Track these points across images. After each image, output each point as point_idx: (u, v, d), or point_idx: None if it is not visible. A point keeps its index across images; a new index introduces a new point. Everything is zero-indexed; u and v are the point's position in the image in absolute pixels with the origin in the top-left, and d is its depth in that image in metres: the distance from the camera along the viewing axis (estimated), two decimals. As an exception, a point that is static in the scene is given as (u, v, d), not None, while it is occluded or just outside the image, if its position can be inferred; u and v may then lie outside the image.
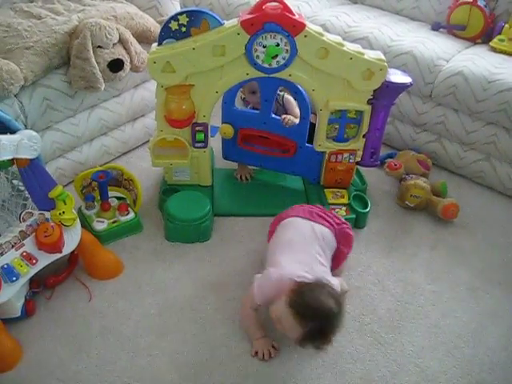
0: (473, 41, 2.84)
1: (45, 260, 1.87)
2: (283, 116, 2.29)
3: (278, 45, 1.96)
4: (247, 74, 2.06)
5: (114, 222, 2.21)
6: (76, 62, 2.18)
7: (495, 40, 2.72)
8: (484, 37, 2.82)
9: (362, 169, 2.48)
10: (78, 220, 1.96)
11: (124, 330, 1.87)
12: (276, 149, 2.38)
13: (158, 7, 2.65)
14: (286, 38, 1.94)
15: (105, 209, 2.22)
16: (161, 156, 2.26)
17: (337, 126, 2.24)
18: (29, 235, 1.87)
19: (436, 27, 2.92)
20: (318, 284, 1.71)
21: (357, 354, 1.84)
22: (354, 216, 2.29)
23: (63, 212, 1.90)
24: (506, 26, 2.74)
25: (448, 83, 2.52)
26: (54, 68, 2.23)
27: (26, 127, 2.09)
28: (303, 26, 1.94)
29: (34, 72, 2.11)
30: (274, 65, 2.02)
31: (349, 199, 2.35)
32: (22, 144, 1.77)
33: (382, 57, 2.10)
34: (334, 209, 2.28)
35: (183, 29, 1.98)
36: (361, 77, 2.09)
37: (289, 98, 2.41)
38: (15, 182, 1.96)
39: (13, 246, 1.83)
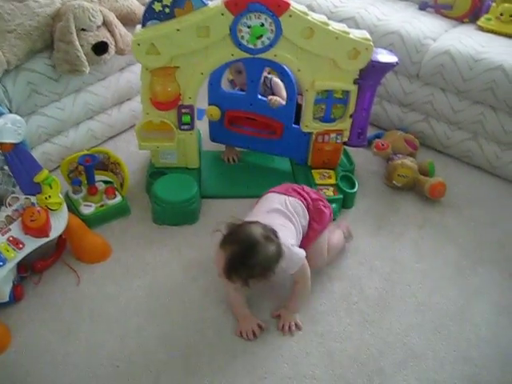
0: (460, 20, 2.83)
1: (32, 244, 1.86)
2: (269, 97, 2.28)
3: (262, 25, 1.95)
4: (232, 55, 2.05)
5: (101, 206, 2.20)
6: (60, 45, 2.16)
7: (482, 19, 2.72)
8: (471, 16, 2.81)
9: (349, 149, 2.48)
10: (65, 204, 1.96)
11: (112, 312, 1.88)
12: (263, 130, 2.37)
13: (143, -11, 2.62)
14: (270, 17, 1.93)
15: (92, 193, 2.22)
16: (147, 139, 2.25)
17: (323, 107, 2.24)
18: (15, 220, 1.87)
19: (423, 6, 2.91)
20: (252, 221, 1.73)
21: (344, 333, 1.86)
22: (341, 196, 2.30)
23: (49, 196, 1.90)
24: (494, 4, 2.73)
25: (435, 62, 2.52)
26: (38, 51, 2.21)
27: (10, 112, 2.07)
28: (288, 5, 1.93)
29: (16, 56, 2.09)
30: (259, 45, 2.01)
31: (336, 180, 2.35)
32: (5, 128, 1.77)
33: (368, 36, 2.09)
34: (321, 189, 2.29)
35: (167, 10, 1.96)
36: (347, 56, 2.08)
37: (277, 80, 2.40)
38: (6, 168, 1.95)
39: (-1, 231, 1.83)
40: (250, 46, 2.00)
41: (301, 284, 1.86)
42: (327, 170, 2.39)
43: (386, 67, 2.18)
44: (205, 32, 1.97)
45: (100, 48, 2.25)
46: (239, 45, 2.00)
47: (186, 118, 2.19)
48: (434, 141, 2.72)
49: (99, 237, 2.11)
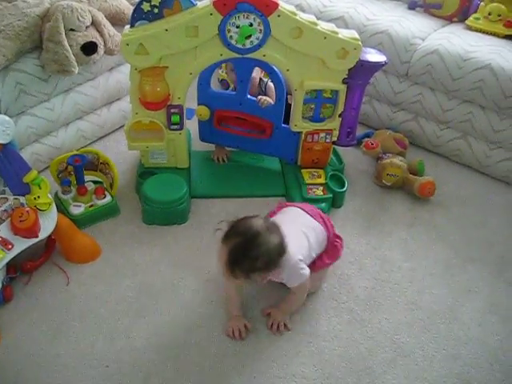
0: (449, 19, 2.84)
1: (21, 245, 1.86)
2: (259, 97, 2.29)
3: (251, 25, 1.95)
4: (221, 55, 2.05)
5: (90, 206, 2.20)
6: (48, 45, 2.16)
7: (471, 18, 2.73)
8: (460, 15, 2.82)
9: (339, 148, 2.49)
10: (54, 204, 1.96)
11: (102, 313, 1.88)
12: (252, 130, 2.37)
13: (131, -12, 2.62)
14: (259, 17, 1.93)
15: (81, 193, 2.21)
16: (137, 139, 2.25)
17: (312, 106, 2.24)
18: (4, 220, 1.87)
19: (412, 6, 2.92)
20: (254, 215, 1.73)
21: (334, 332, 1.86)
22: (331, 195, 2.30)
23: (38, 197, 1.90)
24: (482, 4, 2.74)
25: (424, 62, 2.53)
26: (27, 52, 2.21)
27: (-1, 112, 2.07)
28: (276, 5, 1.93)
29: (5, 56, 2.08)
30: (248, 45, 2.01)
31: (326, 179, 2.35)
32: (-6, 129, 1.76)
33: (357, 36, 2.10)
34: (311, 188, 2.30)
35: (155, 10, 1.96)
36: (335, 56, 2.09)
37: (271, 85, 2.40)
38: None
39: (-13, 232, 1.83)
40: (239, 45, 2.00)
41: (297, 296, 1.87)
42: (317, 170, 2.40)
43: (375, 67, 2.18)
44: (193, 32, 1.97)
45: (89, 48, 2.25)
46: (228, 45, 2.00)
47: (176, 118, 2.18)
48: (423, 140, 2.73)
49: (88, 237, 2.11)
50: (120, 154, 2.51)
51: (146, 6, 1.95)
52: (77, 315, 1.87)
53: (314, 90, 2.19)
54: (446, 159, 2.70)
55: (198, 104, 2.33)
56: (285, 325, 1.85)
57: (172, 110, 2.16)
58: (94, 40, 2.26)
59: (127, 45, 1.98)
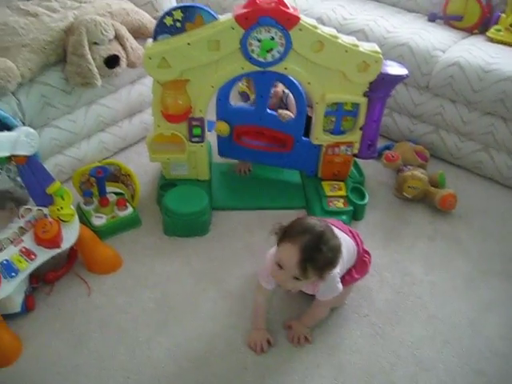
0: (470, 31, 2.84)
1: (43, 255, 1.88)
2: (279, 111, 2.29)
3: (272, 38, 1.96)
4: (242, 68, 2.06)
5: (112, 218, 2.22)
6: (72, 58, 2.19)
7: (492, 30, 2.72)
8: (481, 27, 2.81)
9: (359, 161, 2.48)
10: (76, 215, 1.98)
11: (123, 323, 1.89)
12: (273, 144, 2.37)
13: (154, 3, 2.65)
14: (280, 31, 1.94)
15: (103, 204, 2.23)
16: (158, 151, 2.27)
17: (333, 119, 2.24)
18: (27, 231, 1.89)
19: (432, 18, 2.92)
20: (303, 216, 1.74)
21: (355, 346, 1.85)
22: (351, 208, 2.30)
23: (61, 208, 1.91)
24: (503, 15, 2.73)
25: (445, 74, 2.52)
26: (51, 65, 2.24)
27: (23, 124, 2.09)
28: (298, 19, 1.94)
29: (30, 69, 2.12)
30: (269, 58, 2.02)
31: (346, 191, 2.35)
32: (19, 141, 1.79)
33: (377, 49, 2.10)
34: (331, 201, 2.29)
35: (178, 24, 1.98)
36: (356, 69, 2.09)
37: (292, 96, 2.40)
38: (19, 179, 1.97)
39: (12, 242, 1.85)
40: (261, 59, 2.01)
41: (321, 309, 1.86)
42: (337, 182, 2.39)
43: (396, 79, 2.18)
44: (215, 46, 1.98)
45: (112, 61, 2.27)
46: (249, 58, 2.01)
47: (197, 131, 2.20)
48: (444, 152, 2.71)
49: (110, 248, 2.12)
50: (141, 166, 2.53)
51: (168, 20, 1.97)
52: (98, 326, 1.88)
53: (335, 103, 2.18)
54: (467, 171, 2.68)
55: (217, 119, 2.34)
56: (306, 337, 1.84)
57: (193, 123, 2.18)
58: (116, 53, 2.28)
59: (150, 58, 2.00)
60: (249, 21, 1.92)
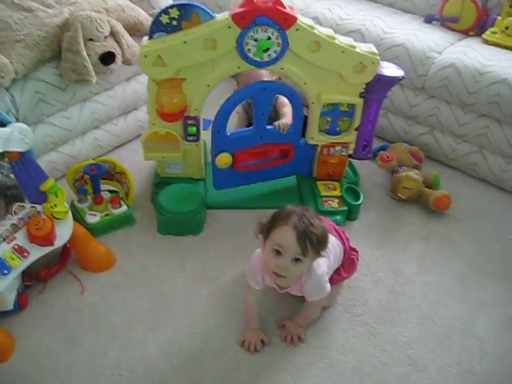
0: (466, 33, 2.84)
1: (36, 253, 1.87)
2: (276, 123, 2.24)
3: (269, 38, 1.95)
4: (239, 68, 2.06)
5: (106, 215, 2.21)
6: (67, 54, 2.18)
7: (488, 32, 2.72)
8: (477, 29, 2.82)
9: (354, 161, 2.48)
10: (70, 213, 1.97)
11: (116, 322, 1.88)
12: (275, 157, 2.34)
13: (150, 0, 2.64)
14: (277, 31, 1.94)
15: (97, 202, 2.23)
16: (153, 149, 2.26)
17: (329, 119, 2.24)
18: (20, 228, 1.88)
19: (429, 19, 2.92)
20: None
21: (348, 345, 1.85)
22: (346, 208, 2.30)
23: (55, 205, 1.91)
24: (499, 18, 2.74)
25: (440, 75, 2.53)
26: (45, 61, 2.23)
27: (17, 120, 2.08)
28: (295, 19, 1.94)
29: (24, 65, 2.11)
30: (266, 58, 2.01)
31: (341, 191, 2.35)
32: (12, 137, 1.77)
33: (374, 50, 2.10)
34: (326, 201, 2.30)
35: (174, 22, 1.98)
36: (353, 70, 2.09)
37: (282, 100, 2.39)
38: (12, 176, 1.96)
39: (4, 239, 1.83)
40: (257, 59, 2.01)
41: (312, 310, 1.86)
42: (332, 182, 2.39)
43: (393, 81, 2.18)
44: (211, 45, 1.98)
45: (107, 58, 2.27)
46: (246, 58, 2.00)
47: (192, 130, 2.19)
48: (439, 153, 2.72)
49: (104, 246, 2.11)
50: (136, 164, 2.52)
51: (164, 18, 1.97)
52: (91, 324, 1.87)
53: (331, 104, 2.19)
54: (461, 173, 2.69)
55: (216, 154, 2.22)
56: (299, 337, 1.84)
57: (189, 122, 2.17)
58: (112, 50, 2.27)
59: (145, 56, 1.99)
60: (245, 20, 1.91)
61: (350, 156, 2.37)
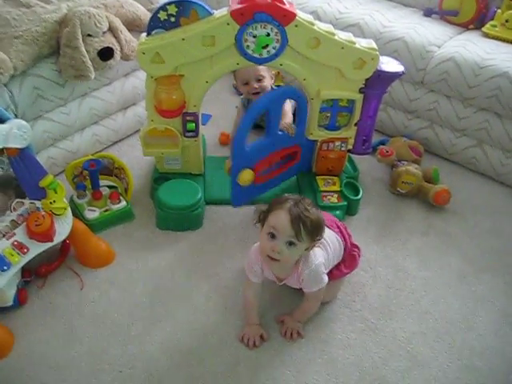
0: (465, 26, 2.83)
1: (36, 249, 1.87)
2: (283, 126, 2.21)
3: (268, 35, 1.94)
4: (237, 64, 2.05)
5: (105, 211, 2.21)
6: (66, 50, 2.17)
7: (488, 26, 2.71)
8: (477, 22, 2.81)
9: (353, 156, 2.48)
10: (69, 209, 1.98)
11: (116, 317, 1.88)
12: (285, 160, 2.33)
13: (149, -5, 2.64)
14: (276, 27, 1.92)
15: (96, 197, 2.23)
16: (152, 145, 2.26)
17: (328, 115, 2.24)
18: (20, 224, 1.88)
19: (428, 13, 2.91)
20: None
21: (348, 341, 1.86)
22: (345, 203, 2.30)
23: (54, 201, 1.91)
24: (499, 11, 2.73)
25: (440, 69, 2.52)
26: (44, 57, 2.22)
27: (16, 117, 2.07)
28: (294, 15, 1.92)
29: (23, 61, 2.10)
30: (265, 55, 2.00)
31: (340, 186, 2.35)
32: (11, 133, 1.78)
33: (374, 45, 2.08)
34: (325, 196, 2.29)
35: (172, 19, 1.97)
36: (352, 66, 2.08)
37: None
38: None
39: (4, 236, 1.84)
40: (256, 55, 2.00)
41: (311, 303, 1.87)
42: (331, 177, 2.39)
43: (392, 77, 2.17)
44: (210, 41, 1.97)
45: (105, 53, 2.26)
46: (245, 54, 1.99)
47: (191, 126, 2.19)
48: (438, 147, 2.71)
49: (103, 241, 2.11)
50: (135, 159, 2.52)
51: (162, 15, 1.96)
52: (90, 320, 1.88)
53: (331, 99, 2.18)
54: (461, 167, 2.69)
55: (239, 171, 2.14)
56: (298, 332, 1.85)
57: (187, 118, 2.17)
58: (110, 45, 2.26)
59: (143, 53, 1.98)
60: (244, 17, 1.90)
61: (349, 151, 2.36)
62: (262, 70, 2.35)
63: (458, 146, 2.64)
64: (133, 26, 2.45)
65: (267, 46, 1.97)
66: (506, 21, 2.66)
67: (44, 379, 1.69)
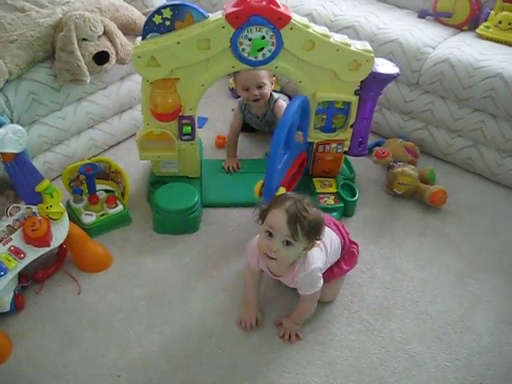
0: (459, 28, 2.84)
1: (33, 254, 1.87)
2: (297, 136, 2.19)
3: (263, 38, 1.95)
4: (233, 67, 2.05)
5: (102, 215, 2.21)
6: (61, 54, 2.17)
7: (481, 27, 2.72)
8: (470, 24, 2.82)
9: (350, 157, 2.48)
10: (66, 213, 1.97)
11: (114, 322, 1.88)
12: (299, 168, 2.31)
13: (143, -2, 2.64)
14: (271, 30, 1.93)
15: (93, 202, 2.22)
16: (148, 149, 2.26)
17: (324, 117, 2.24)
18: (16, 229, 1.88)
19: (422, 15, 2.92)
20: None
21: (346, 342, 1.86)
22: (342, 205, 2.30)
23: (50, 206, 1.91)
24: (492, 12, 2.74)
25: (435, 70, 2.53)
26: (39, 61, 2.22)
27: (11, 121, 2.07)
28: (289, 18, 1.93)
29: (18, 66, 2.10)
30: (260, 57, 2.01)
31: (337, 188, 2.35)
32: (6, 138, 1.78)
33: (369, 47, 2.09)
34: (322, 198, 2.30)
35: (167, 22, 1.97)
36: (347, 68, 2.08)
37: (281, 103, 2.39)
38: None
39: (0, 241, 1.83)
40: (251, 58, 2.00)
41: (306, 305, 1.87)
42: (328, 179, 2.39)
43: (387, 78, 2.18)
44: (205, 45, 1.97)
45: (101, 57, 2.26)
46: (240, 57, 2.00)
47: (187, 129, 2.19)
48: (434, 148, 2.72)
49: (100, 246, 2.11)
50: (131, 163, 2.52)
51: (157, 19, 1.96)
52: (88, 324, 1.87)
53: (326, 101, 2.18)
54: (457, 168, 2.69)
55: (275, 191, 1.95)
56: (296, 334, 1.85)
57: (183, 121, 2.17)
58: (105, 49, 2.26)
59: (139, 57, 1.99)
60: (239, 20, 1.90)
61: (345, 153, 2.37)
62: (264, 76, 2.36)
63: (454, 146, 2.64)
64: (128, 29, 2.45)
65: (262, 48, 1.98)
66: (500, 22, 2.67)
67: (42, 384, 1.69)
